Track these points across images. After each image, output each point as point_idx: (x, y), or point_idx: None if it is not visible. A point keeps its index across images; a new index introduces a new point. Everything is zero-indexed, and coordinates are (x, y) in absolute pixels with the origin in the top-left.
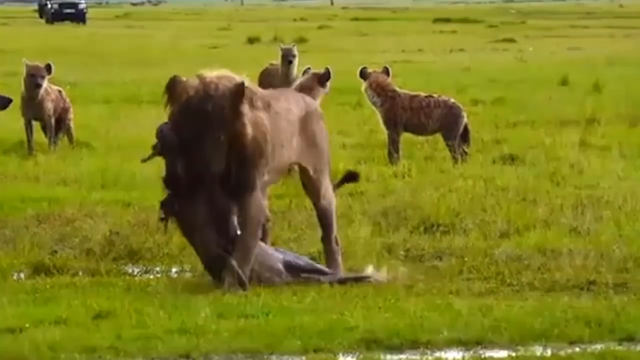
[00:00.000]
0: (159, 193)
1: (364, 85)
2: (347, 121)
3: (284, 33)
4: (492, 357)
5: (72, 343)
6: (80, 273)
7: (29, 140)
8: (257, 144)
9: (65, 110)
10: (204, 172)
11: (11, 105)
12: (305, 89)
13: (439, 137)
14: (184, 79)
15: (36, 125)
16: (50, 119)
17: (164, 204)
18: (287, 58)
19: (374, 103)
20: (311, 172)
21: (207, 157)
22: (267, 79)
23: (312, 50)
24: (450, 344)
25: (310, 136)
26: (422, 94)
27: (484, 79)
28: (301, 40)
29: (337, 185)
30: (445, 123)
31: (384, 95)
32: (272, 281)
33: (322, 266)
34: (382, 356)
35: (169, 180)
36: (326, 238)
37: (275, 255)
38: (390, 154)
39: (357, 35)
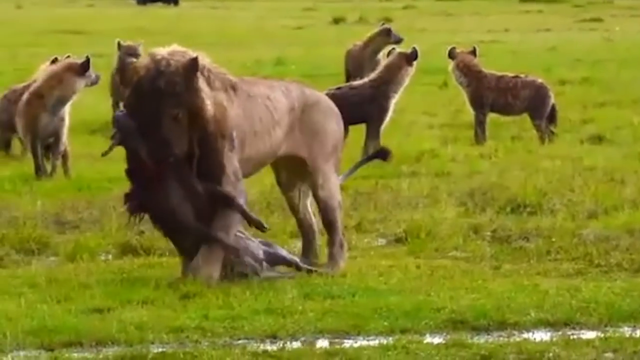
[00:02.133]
0: None
1: (451, 65)
2: (432, 101)
3: (369, 13)
4: (580, 339)
5: (160, 323)
6: (167, 253)
7: None
8: (217, 124)
9: None
10: (166, 155)
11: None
12: (394, 68)
13: (525, 117)
14: (134, 60)
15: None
16: None
17: (129, 197)
18: (394, 38)
19: (460, 83)
20: (308, 162)
21: (166, 137)
22: (352, 60)
23: (397, 30)
24: (538, 325)
25: (308, 127)
26: (509, 74)
27: (571, 58)
28: (386, 20)
29: (362, 162)
30: (532, 103)
31: (470, 75)
32: (252, 268)
33: (296, 258)
34: (468, 337)
35: (133, 170)
36: (329, 237)
37: (256, 243)
38: (476, 135)
39: (442, 15)
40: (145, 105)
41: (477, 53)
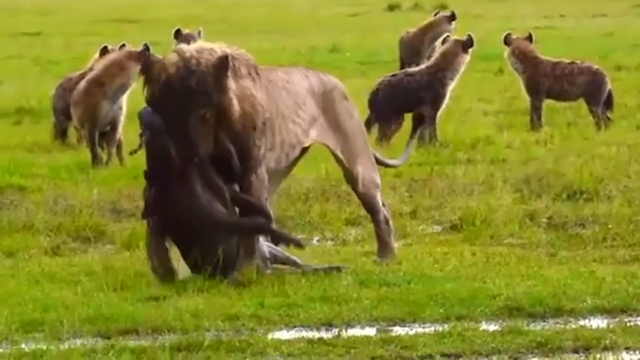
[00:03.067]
0: (300, 163)
1: (506, 51)
2: (488, 88)
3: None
4: (637, 325)
5: (215, 311)
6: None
7: None
8: (246, 117)
9: None
10: (192, 155)
11: None
12: (450, 56)
13: (581, 103)
14: (160, 57)
15: None
16: None
17: (149, 201)
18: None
19: (516, 70)
20: (340, 156)
21: (192, 136)
22: (405, 47)
23: None
24: (594, 311)
25: (333, 116)
26: (565, 60)
27: (627, 44)
28: (441, 7)
29: (413, 135)
30: (589, 89)
31: (526, 62)
32: (260, 268)
33: (295, 258)
34: (524, 324)
35: (155, 171)
36: (374, 221)
37: (262, 241)
38: (532, 121)
39: (497, 1)
40: (173, 103)
41: (533, 39)
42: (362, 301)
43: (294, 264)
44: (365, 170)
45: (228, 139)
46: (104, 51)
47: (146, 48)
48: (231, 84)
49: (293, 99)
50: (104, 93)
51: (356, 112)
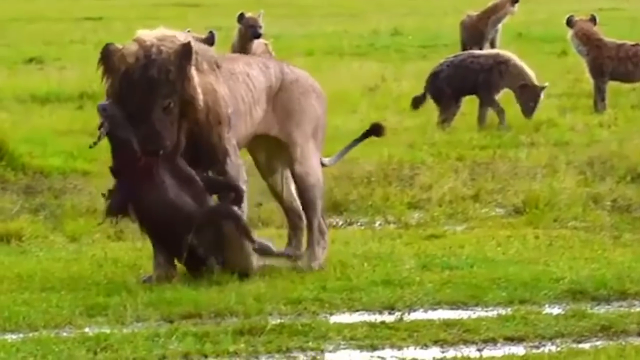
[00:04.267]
0: (362, 146)
1: (569, 33)
2: (551, 70)
3: None
4: None
5: (277, 295)
6: (284, 226)
7: None
8: (209, 111)
9: None
10: (157, 147)
11: None
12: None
13: None
14: (120, 46)
15: None
16: None
17: (111, 195)
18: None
19: (579, 52)
20: (282, 139)
21: (157, 128)
22: (466, 31)
23: None
24: None
25: (283, 105)
26: (629, 42)
27: None
28: None
29: (358, 141)
30: None
31: (590, 43)
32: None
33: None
34: (588, 307)
35: (120, 165)
36: (307, 221)
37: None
38: (596, 103)
39: None
40: (134, 95)
41: (597, 21)
42: (425, 285)
43: (280, 255)
44: (309, 158)
45: (193, 130)
46: None
47: (211, 35)
48: (195, 73)
49: (251, 94)
50: None
51: (318, 105)
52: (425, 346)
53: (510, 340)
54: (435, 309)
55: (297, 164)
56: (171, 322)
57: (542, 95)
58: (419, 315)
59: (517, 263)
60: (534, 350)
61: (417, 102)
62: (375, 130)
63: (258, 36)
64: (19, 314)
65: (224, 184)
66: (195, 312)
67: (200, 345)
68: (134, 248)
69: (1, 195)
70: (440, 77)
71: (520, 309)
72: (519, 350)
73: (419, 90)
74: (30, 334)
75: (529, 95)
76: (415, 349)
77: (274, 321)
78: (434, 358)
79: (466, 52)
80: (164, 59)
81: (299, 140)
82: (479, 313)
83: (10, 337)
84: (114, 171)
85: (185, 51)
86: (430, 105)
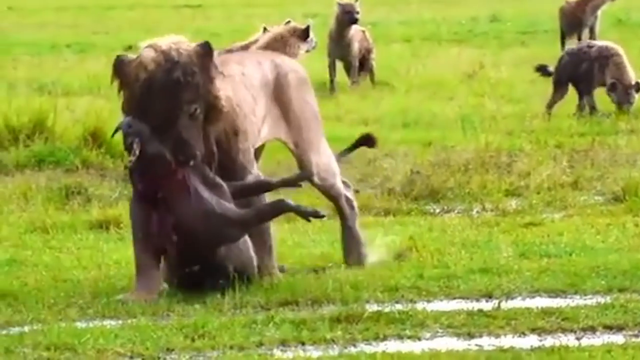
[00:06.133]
0: (459, 133)
1: None
2: None
3: None
4: None
5: (375, 282)
6: (382, 213)
7: (331, 81)
8: (229, 117)
9: (369, 51)
10: (188, 157)
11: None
12: None
13: None
14: (134, 56)
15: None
16: (355, 59)
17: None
18: None
19: None
20: (292, 147)
21: (186, 137)
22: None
23: None
24: None
25: (285, 104)
26: None
27: None
28: None
29: (349, 150)
30: None
31: None
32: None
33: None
34: None
35: (155, 181)
36: (337, 208)
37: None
38: None
39: None
40: (159, 103)
41: None
42: (523, 273)
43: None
44: (320, 159)
45: (218, 139)
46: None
47: (308, 27)
48: (216, 74)
49: (250, 94)
50: None
51: (312, 97)
52: (523, 334)
53: (609, 328)
54: (533, 297)
55: (316, 177)
56: (268, 309)
57: (635, 95)
58: (516, 303)
59: (617, 251)
60: (634, 339)
61: (541, 70)
62: (367, 140)
63: (355, 21)
64: (118, 301)
65: (255, 186)
66: (292, 300)
67: (297, 332)
68: None
69: (100, 183)
70: (560, 65)
71: (620, 297)
72: (618, 338)
73: (518, 77)
74: (129, 321)
75: (622, 95)
76: (512, 337)
77: (371, 309)
78: (531, 346)
79: (585, 41)
80: (186, 61)
81: (306, 150)
82: (577, 301)
83: (110, 323)
84: (145, 194)
85: (206, 50)
86: (528, 92)
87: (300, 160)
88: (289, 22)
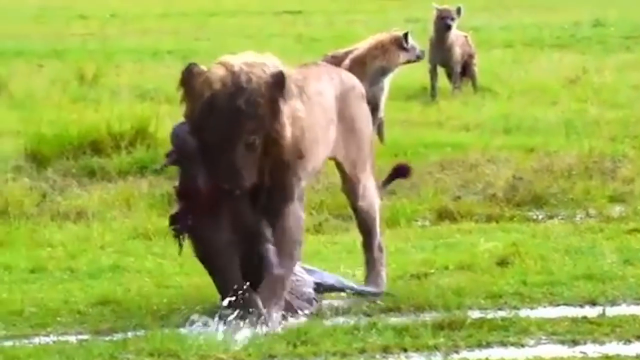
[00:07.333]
0: (562, 138)
1: None
2: None
3: None
4: None
5: (477, 288)
6: (484, 219)
7: (432, 87)
8: (295, 145)
9: (471, 56)
10: (235, 186)
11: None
12: None
13: None
14: (205, 68)
15: (439, 71)
16: (456, 64)
17: (175, 219)
18: None
19: None
20: (347, 168)
21: (237, 165)
22: None
23: None
24: None
25: (348, 121)
26: None
27: None
28: None
29: (385, 183)
30: None
31: None
32: (302, 310)
33: (354, 283)
34: None
35: (185, 193)
36: (367, 245)
37: (305, 278)
38: None
39: None
40: (217, 125)
41: None
42: (627, 279)
43: (356, 291)
44: (369, 186)
45: (271, 170)
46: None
47: (405, 34)
48: (284, 106)
49: (325, 116)
50: (363, 73)
51: (369, 116)
52: (628, 342)
53: None
54: (638, 304)
55: (360, 199)
56: (370, 316)
57: None
58: (621, 309)
59: None
60: None
61: None
62: (401, 171)
63: (448, 28)
64: (214, 305)
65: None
66: (394, 306)
67: (400, 339)
68: (332, 241)
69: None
70: None
71: None
72: None
73: (622, 82)
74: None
75: None
76: (617, 344)
77: (474, 315)
78: (637, 354)
79: None
80: (253, 89)
81: (360, 171)
82: None
83: (212, 330)
84: (179, 196)
85: (277, 82)
86: (632, 97)
87: (351, 180)
88: (395, 31)
